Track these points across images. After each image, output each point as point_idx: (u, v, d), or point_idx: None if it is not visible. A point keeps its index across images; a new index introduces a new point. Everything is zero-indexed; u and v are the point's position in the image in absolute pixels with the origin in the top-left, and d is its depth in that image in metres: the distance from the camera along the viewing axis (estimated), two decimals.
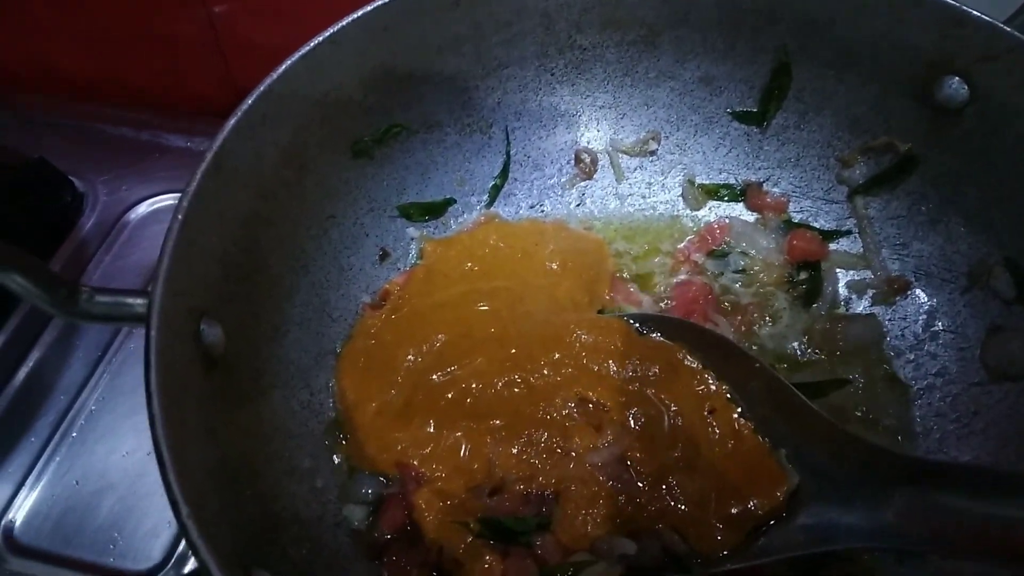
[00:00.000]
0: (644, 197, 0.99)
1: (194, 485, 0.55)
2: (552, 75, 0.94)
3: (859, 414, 0.83)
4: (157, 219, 1.10)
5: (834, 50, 0.84)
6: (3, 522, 0.86)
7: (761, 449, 0.74)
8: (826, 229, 0.93)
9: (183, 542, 0.84)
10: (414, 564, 0.73)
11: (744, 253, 0.93)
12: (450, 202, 0.95)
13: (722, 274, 0.92)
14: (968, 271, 0.85)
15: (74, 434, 0.92)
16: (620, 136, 0.98)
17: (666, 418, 0.76)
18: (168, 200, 1.11)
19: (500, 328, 0.83)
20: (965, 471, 0.68)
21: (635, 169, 0.99)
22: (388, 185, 0.91)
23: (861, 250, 0.92)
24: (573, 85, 0.95)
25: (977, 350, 0.83)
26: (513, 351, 0.80)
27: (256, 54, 1.01)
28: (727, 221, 0.95)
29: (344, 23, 0.77)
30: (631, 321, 0.83)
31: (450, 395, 0.79)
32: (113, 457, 0.91)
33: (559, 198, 0.99)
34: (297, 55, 0.75)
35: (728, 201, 0.97)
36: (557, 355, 0.79)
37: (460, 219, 0.96)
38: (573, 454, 0.75)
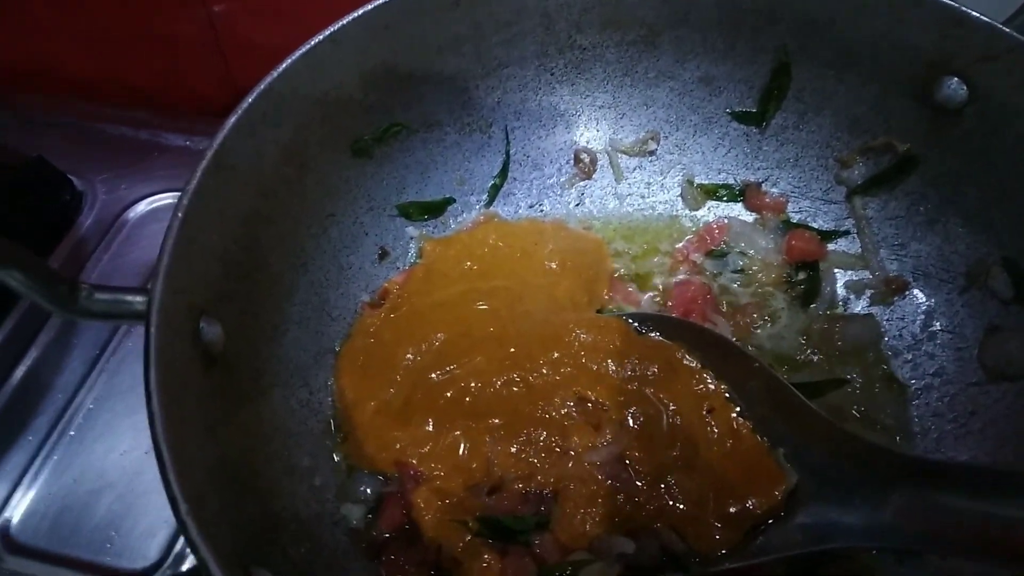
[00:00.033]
0: (643, 197, 0.99)
1: (193, 483, 0.55)
2: (552, 75, 0.94)
3: (857, 414, 0.83)
4: (156, 218, 1.10)
5: (834, 50, 0.85)
6: (0, 521, 0.86)
7: (760, 448, 0.74)
8: (824, 229, 0.94)
9: (180, 541, 0.84)
10: (412, 563, 0.73)
11: (743, 253, 0.94)
12: (449, 201, 0.95)
13: (720, 274, 0.93)
14: (966, 271, 0.85)
15: (72, 433, 0.92)
16: (619, 136, 0.98)
17: (665, 417, 0.76)
18: (167, 199, 1.11)
19: (499, 327, 0.83)
20: (965, 470, 0.68)
21: (634, 169, 0.99)
22: (388, 184, 0.91)
23: (859, 250, 0.92)
24: (573, 85, 0.95)
25: (975, 350, 0.83)
26: (512, 350, 0.80)
27: (256, 54, 1.01)
28: (726, 221, 0.95)
29: (344, 22, 0.77)
30: (630, 320, 0.83)
31: (449, 394, 0.79)
32: (111, 456, 0.90)
33: (558, 198, 0.99)
34: (298, 53, 0.75)
35: (727, 201, 0.98)
36: (556, 354, 0.80)
37: (459, 218, 0.96)
38: (572, 453, 0.75)
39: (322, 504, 0.76)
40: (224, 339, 0.68)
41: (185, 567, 0.83)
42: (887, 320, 0.89)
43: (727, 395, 0.77)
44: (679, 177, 0.98)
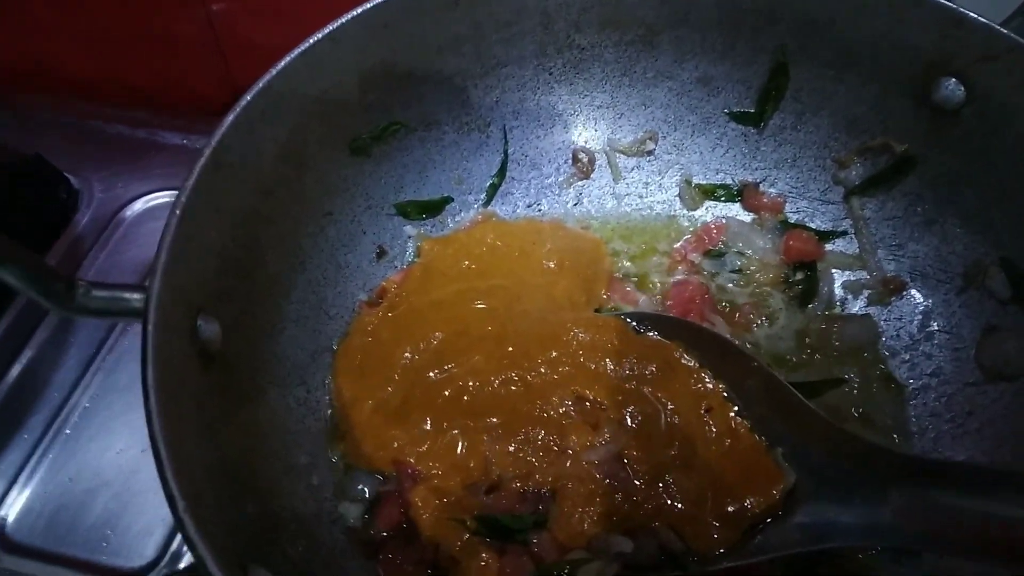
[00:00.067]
0: (641, 197, 0.99)
1: (190, 480, 0.55)
2: (550, 74, 0.94)
3: (855, 414, 0.83)
4: (153, 216, 1.10)
5: (833, 50, 0.85)
6: None
7: (758, 447, 0.73)
8: (822, 230, 0.94)
9: (176, 540, 0.84)
10: (410, 562, 0.72)
11: (740, 253, 0.94)
12: (448, 200, 0.95)
13: (718, 274, 0.93)
14: (963, 272, 0.85)
15: (67, 431, 0.92)
16: (617, 136, 0.98)
17: (663, 416, 0.76)
18: (164, 197, 1.11)
19: (497, 326, 0.83)
20: (963, 469, 0.69)
21: (632, 169, 0.99)
22: (386, 183, 0.91)
23: (857, 251, 0.92)
24: (571, 84, 0.95)
25: (972, 350, 0.83)
26: (510, 349, 0.80)
27: (255, 54, 1.00)
28: (724, 221, 0.95)
29: (344, 20, 0.77)
30: (628, 320, 0.83)
31: (447, 393, 0.78)
32: (107, 454, 0.90)
33: (556, 197, 0.99)
34: (297, 52, 0.75)
35: (725, 201, 0.98)
36: (554, 353, 0.79)
37: (457, 217, 0.96)
38: (570, 452, 0.74)
39: (320, 503, 0.76)
40: (221, 337, 0.68)
41: (182, 565, 0.83)
42: (885, 320, 0.89)
43: (725, 394, 0.77)
44: (677, 177, 0.98)
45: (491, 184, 0.97)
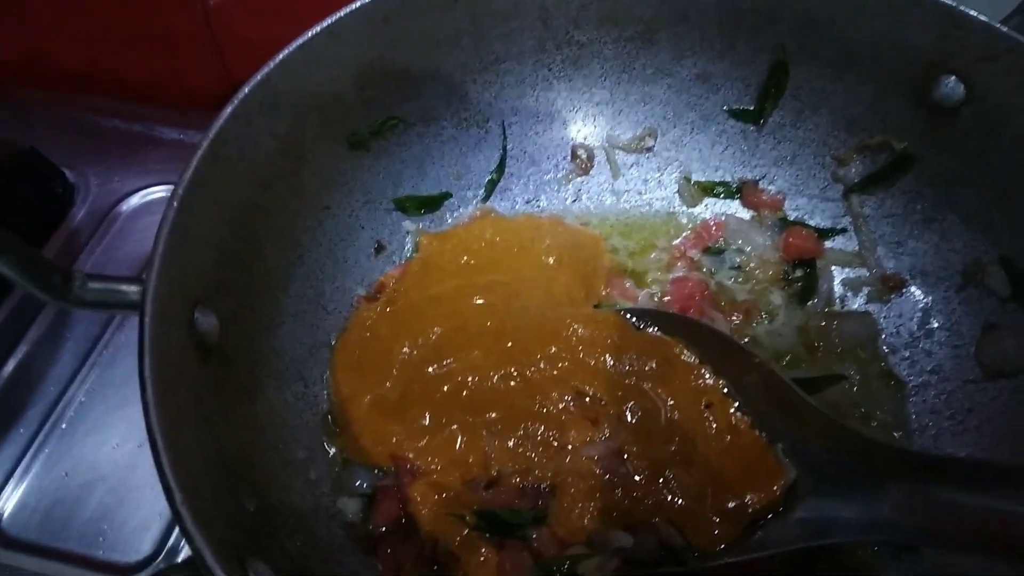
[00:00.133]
0: (640, 193, 0.99)
1: (188, 473, 0.55)
2: (549, 70, 0.94)
3: (855, 411, 0.83)
4: (149, 210, 1.09)
5: (833, 50, 0.85)
6: None
7: (758, 443, 0.73)
8: (822, 227, 0.94)
9: (173, 535, 0.84)
10: (409, 557, 0.72)
11: (740, 250, 0.94)
12: (446, 196, 0.95)
13: (718, 271, 0.92)
14: (963, 269, 0.85)
15: (63, 425, 0.91)
16: (616, 132, 0.98)
17: (663, 412, 0.75)
18: (160, 192, 1.11)
19: (496, 322, 0.82)
20: (963, 465, 0.69)
21: (631, 165, 0.99)
22: (384, 178, 0.91)
23: (856, 248, 0.92)
24: (570, 81, 0.95)
25: (972, 347, 0.83)
26: (509, 345, 0.80)
27: (253, 50, 1.00)
28: (723, 218, 0.95)
29: (342, 14, 0.77)
30: (627, 316, 0.83)
31: (445, 388, 0.78)
32: (103, 449, 0.90)
33: (555, 193, 0.98)
34: (295, 45, 0.75)
35: (724, 198, 0.97)
36: (553, 349, 0.79)
37: (456, 213, 0.96)
38: (569, 447, 0.74)
39: (318, 497, 0.76)
40: (219, 330, 0.68)
41: (180, 559, 0.82)
42: (884, 317, 0.89)
43: (725, 390, 0.76)
44: (676, 174, 0.98)
45: (490, 180, 0.97)
